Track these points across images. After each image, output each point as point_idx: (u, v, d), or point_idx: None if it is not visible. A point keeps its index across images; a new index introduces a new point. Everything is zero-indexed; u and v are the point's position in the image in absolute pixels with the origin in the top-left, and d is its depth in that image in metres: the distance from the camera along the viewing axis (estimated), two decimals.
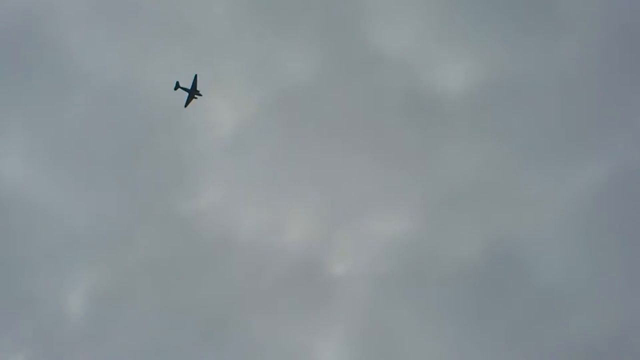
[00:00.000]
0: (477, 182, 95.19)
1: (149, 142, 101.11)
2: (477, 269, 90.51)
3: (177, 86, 72.65)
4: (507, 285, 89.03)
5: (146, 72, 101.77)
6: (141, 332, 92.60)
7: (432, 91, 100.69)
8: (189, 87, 72.91)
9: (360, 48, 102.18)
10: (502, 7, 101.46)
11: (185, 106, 74.55)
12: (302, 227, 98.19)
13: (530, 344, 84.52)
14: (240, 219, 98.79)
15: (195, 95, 74.06)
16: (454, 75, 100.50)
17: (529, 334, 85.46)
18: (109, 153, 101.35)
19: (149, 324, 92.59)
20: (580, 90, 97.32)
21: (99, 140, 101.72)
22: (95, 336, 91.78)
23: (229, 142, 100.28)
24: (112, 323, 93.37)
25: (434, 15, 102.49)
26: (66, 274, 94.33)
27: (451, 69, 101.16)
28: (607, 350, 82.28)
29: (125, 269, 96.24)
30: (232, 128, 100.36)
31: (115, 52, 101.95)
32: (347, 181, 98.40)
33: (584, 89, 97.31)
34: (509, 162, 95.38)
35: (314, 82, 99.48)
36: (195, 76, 72.06)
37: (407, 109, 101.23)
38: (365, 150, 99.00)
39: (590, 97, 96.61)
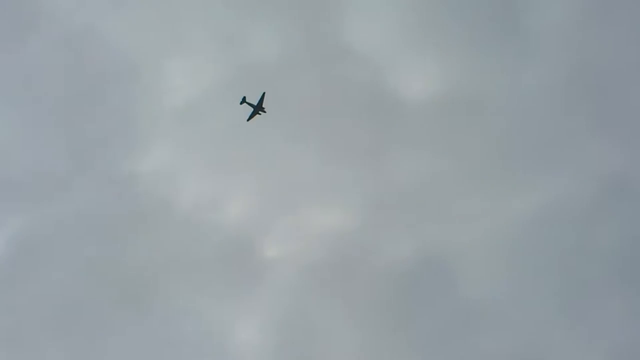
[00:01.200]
0: (419, 189, 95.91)
1: (101, 96, 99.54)
2: (405, 272, 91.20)
3: (244, 101, 73.17)
4: (431, 292, 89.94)
5: (109, 26, 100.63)
6: (60, 285, 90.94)
7: (394, 93, 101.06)
8: (255, 103, 73.28)
9: (330, 38, 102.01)
10: (477, 25, 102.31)
11: (248, 120, 74.60)
12: (241, 206, 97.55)
13: (444, 352, 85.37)
14: (181, 189, 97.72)
15: (260, 112, 73.98)
16: (417, 81, 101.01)
17: (445, 342, 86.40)
18: (58, 100, 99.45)
19: (70, 278, 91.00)
20: (536, 116, 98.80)
21: (49, 86, 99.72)
22: (11, 283, 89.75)
23: (182, 110, 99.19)
24: (32, 272, 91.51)
25: (410, 18, 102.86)
26: None
27: (416, 75, 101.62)
28: None
29: (56, 220, 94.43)
30: (188, 96, 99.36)
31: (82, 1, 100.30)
32: (294, 167, 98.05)
33: (540, 115, 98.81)
34: (454, 175, 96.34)
35: (278, 64, 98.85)
36: (264, 94, 72.66)
37: (366, 106, 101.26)
38: (318, 140, 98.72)
39: (544, 125, 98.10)
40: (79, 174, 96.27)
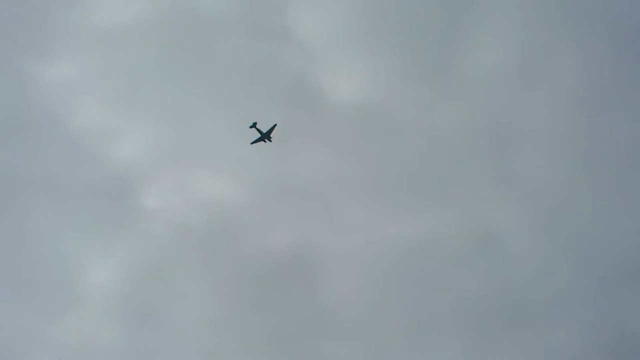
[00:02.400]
0: (314, 185, 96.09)
1: None
2: (273, 262, 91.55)
3: (254, 126, 74.51)
4: (291, 287, 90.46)
5: None
6: None
7: (319, 86, 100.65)
8: (264, 131, 74.92)
9: (274, 16, 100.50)
10: (420, 47, 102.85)
11: (252, 143, 76.43)
12: (135, 147, 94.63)
13: (287, 345, 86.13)
14: (80, 108, 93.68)
15: (265, 140, 75.69)
16: (346, 82, 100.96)
17: (291, 337, 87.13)
18: None
19: None
20: (445, 149, 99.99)
21: None
22: None
23: (109, 32, 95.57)
24: None
25: (357, 20, 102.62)
26: None
27: (347, 77, 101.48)
28: None
29: None
30: (118, 20, 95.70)
31: None
32: (202, 129, 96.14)
33: (447, 150, 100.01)
34: (352, 182, 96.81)
35: (216, 17, 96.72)
36: (275, 126, 74.44)
37: (289, 91, 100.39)
38: (235, 110, 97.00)
39: (449, 160, 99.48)
40: None
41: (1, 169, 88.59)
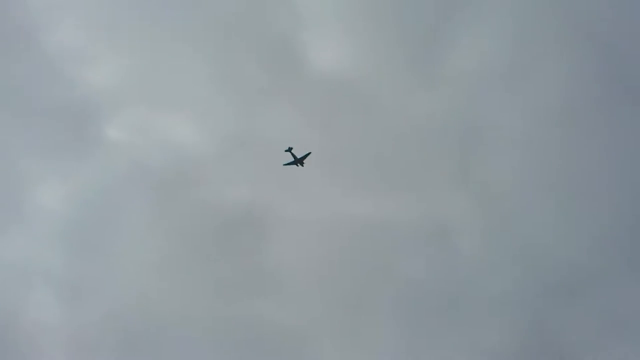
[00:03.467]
0: (281, 147, 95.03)
1: None
2: (229, 214, 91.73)
3: (289, 150, 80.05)
4: (245, 245, 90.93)
5: None
6: None
7: (303, 51, 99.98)
8: (298, 156, 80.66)
9: None
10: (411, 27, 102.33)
11: (284, 165, 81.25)
12: (107, 74, 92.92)
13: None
14: (57, 25, 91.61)
15: (297, 164, 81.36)
16: (330, 51, 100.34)
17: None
18: None
19: None
20: (417, 133, 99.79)
21: None
22: None
23: None
24: None
25: None
26: None
27: (332, 46, 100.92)
28: None
29: None
30: None
31: None
32: (178, 71, 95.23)
33: (423, 135, 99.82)
34: (318, 153, 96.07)
35: None
36: (309, 154, 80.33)
37: (271, 51, 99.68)
38: (215, 59, 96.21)
39: (420, 149, 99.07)
40: None
41: None
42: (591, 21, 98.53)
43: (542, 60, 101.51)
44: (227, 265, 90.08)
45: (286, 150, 79.79)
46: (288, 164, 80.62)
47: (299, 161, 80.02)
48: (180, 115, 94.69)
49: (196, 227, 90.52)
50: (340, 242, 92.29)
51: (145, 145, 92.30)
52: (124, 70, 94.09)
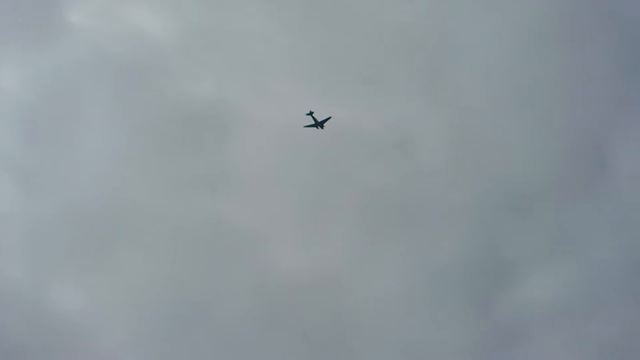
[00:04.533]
0: (251, 44, 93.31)
1: None
2: (193, 109, 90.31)
3: (311, 114, 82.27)
4: (207, 142, 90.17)
5: None
6: None
7: None
8: (319, 119, 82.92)
9: None
10: None
11: (304, 127, 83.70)
12: None
13: None
14: None
15: (318, 126, 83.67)
16: None
17: None
18: None
19: None
20: (389, 40, 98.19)
21: None
22: None
23: None
24: None
25: None
26: None
27: None
28: None
29: None
30: None
31: None
32: None
33: (395, 42, 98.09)
34: (289, 54, 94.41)
35: None
36: (329, 118, 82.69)
37: None
38: None
39: None
40: None
41: None
42: None
43: None
44: (187, 161, 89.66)
45: (307, 114, 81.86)
46: (308, 126, 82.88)
47: (319, 124, 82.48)
48: (147, 3, 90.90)
49: (158, 121, 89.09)
50: (302, 146, 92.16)
51: (109, 32, 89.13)
52: None
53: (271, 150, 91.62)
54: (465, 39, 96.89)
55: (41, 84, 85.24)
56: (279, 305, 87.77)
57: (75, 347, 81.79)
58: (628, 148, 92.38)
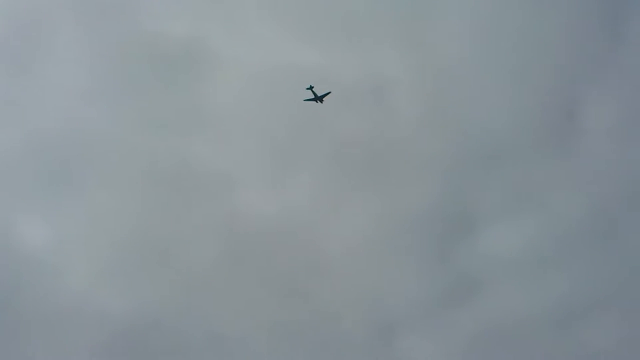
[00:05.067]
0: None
1: None
2: (167, 47, 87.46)
3: (311, 88, 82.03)
4: (181, 81, 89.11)
5: None
6: None
7: None
8: (319, 94, 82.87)
9: None
10: None
11: (304, 100, 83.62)
12: None
13: None
14: None
15: (317, 101, 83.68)
16: None
17: None
18: None
19: None
20: None
21: None
22: None
23: None
24: None
25: None
26: None
27: None
28: None
29: None
30: None
31: None
32: None
33: None
34: None
35: None
36: (329, 93, 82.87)
37: None
38: None
39: None
40: None
41: None
42: None
43: None
44: (160, 100, 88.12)
45: (307, 89, 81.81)
46: (308, 100, 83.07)
47: (319, 99, 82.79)
48: None
49: (132, 57, 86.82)
50: (277, 88, 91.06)
51: None
52: None
53: (246, 93, 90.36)
54: None
55: (9, 13, 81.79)
56: (247, 250, 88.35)
57: (40, 283, 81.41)
58: (597, 106, 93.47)
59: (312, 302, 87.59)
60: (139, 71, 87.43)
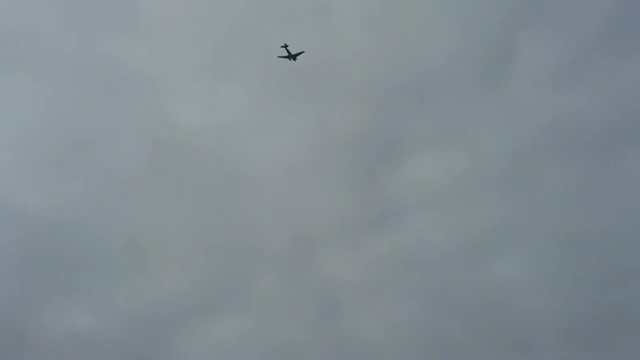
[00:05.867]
0: None
1: None
2: None
3: (285, 47, 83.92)
4: None
5: None
6: None
7: None
8: (293, 53, 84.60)
9: None
10: None
11: (278, 57, 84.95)
12: None
13: None
14: None
15: (290, 58, 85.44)
16: None
17: None
18: None
19: None
20: None
21: None
22: None
23: None
24: None
25: None
26: None
27: None
28: None
29: None
30: None
31: None
32: None
33: None
34: None
35: None
36: (302, 52, 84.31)
37: None
38: None
39: None
40: None
41: None
42: None
43: None
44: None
45: (282, 47, 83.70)
46: (282, 57, 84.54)
47: (292, 57, 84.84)
48: None
49: None
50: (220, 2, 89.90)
51: None
52: None
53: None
54: None
55: None
56: (173, 158, 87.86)
57: None
58: (535, 53, 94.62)
59: (233, 214, 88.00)
60: None
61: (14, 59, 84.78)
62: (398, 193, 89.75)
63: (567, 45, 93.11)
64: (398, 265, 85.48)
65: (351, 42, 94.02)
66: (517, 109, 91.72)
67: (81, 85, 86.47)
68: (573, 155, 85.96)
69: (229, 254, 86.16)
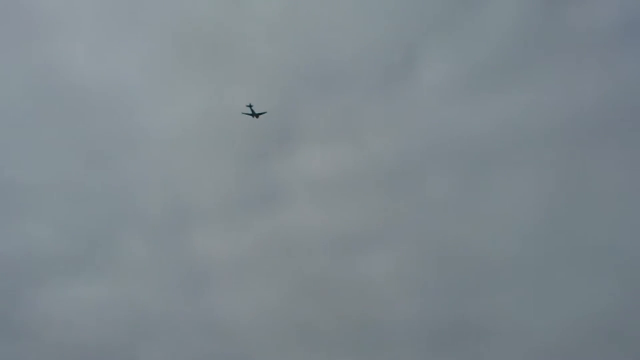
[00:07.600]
0: None
1: None
2: None
3: (250, 106, 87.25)
4: None
5: None
6: None
7: None
8: (257, 112, 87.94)
9: None
10: None
11: (242, 114, 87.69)
12: None
13: None
14: None
15: (254, 116, 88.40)
16: None
17: None
18: None
19: None
20: None
21: None
22: None
23: None
24: None
25: None
26: None
27: None
28: None
29: None
30: None
31: None
32: None
33: None
34: None
35: None
36: (265, 112, 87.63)
37: None
38: None
39: None
40: None
41: None
42: None
43: None
44: None
45: (247, 106, 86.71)
46: (245, 114, 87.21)
47: (255, 115, 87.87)
48: None
49: None
50: None
51: None
52: None
53: None
54: None
55: None
56: (57, 105, 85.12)
57: None
58: (438, 62, 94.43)
59: (112, 172, 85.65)
60: None
61: None
62: (285, 178, 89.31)
63: (467, 62, 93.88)
64: (273, 250, 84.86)
65: (266, 22, 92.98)
66: (410, 115, 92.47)
67: None
68: (453, 166, 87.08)
69: (102, 212, 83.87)
